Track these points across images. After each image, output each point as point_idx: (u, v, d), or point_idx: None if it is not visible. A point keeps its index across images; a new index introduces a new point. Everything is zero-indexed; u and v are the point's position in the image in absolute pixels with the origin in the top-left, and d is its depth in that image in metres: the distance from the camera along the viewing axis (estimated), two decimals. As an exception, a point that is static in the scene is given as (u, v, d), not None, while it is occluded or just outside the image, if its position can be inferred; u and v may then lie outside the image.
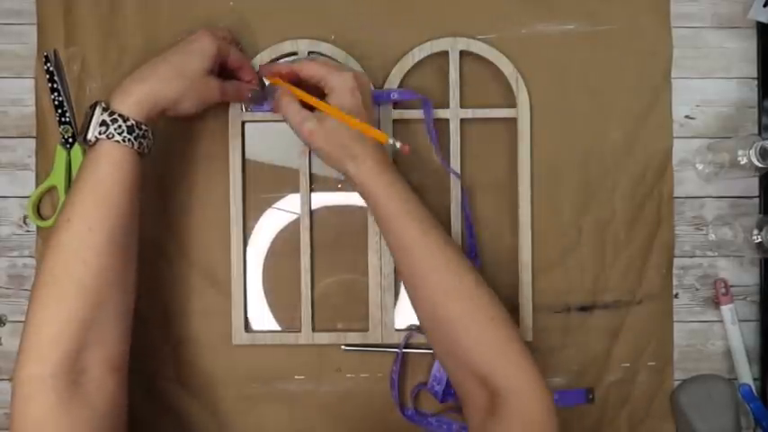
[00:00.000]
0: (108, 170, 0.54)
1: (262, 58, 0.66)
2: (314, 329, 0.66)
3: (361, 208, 0.67)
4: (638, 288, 0.68)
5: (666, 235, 0.68)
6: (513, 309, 0.66)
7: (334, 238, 0.67)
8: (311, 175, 0.67)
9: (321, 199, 0.67)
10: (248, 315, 0.67)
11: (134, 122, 0.55)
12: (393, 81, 0.67)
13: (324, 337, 0.66)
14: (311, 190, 0.67)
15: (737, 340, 0.68)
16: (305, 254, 0.66)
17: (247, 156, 0.67)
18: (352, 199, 0.67)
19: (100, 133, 0.54)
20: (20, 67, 0.68)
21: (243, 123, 0.66)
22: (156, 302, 0.67)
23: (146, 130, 0.56)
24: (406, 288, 0.60)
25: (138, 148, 0.55)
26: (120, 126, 0.54)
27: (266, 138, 0.68)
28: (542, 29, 0.68)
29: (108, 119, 0.54)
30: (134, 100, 0.55)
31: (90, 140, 0.55)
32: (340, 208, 0.68)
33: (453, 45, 0.66)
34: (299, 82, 0.61)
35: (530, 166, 0.67)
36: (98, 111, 0.54)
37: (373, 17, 0.68)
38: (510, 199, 0.67)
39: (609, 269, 0.68)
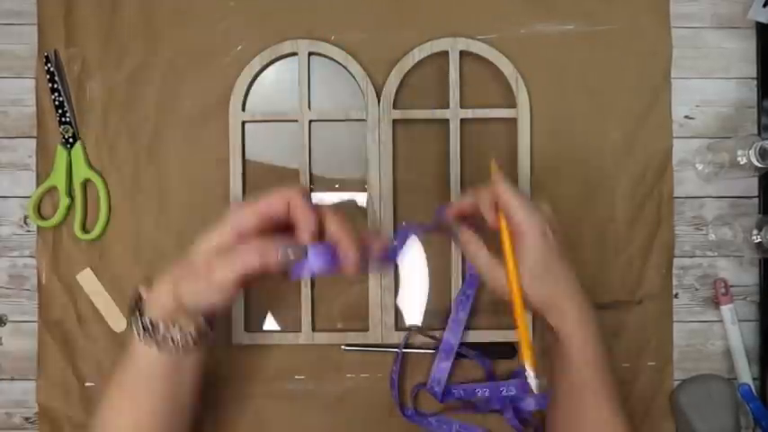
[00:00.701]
0: (144, 369, 0.53)
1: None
2: (314, 329, 0.66)
3: (359, 208, 0.67)
4: (638, 288, 0.68)
5: (666, 235, 0.68)
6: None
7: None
8: (311, 174, 0.67)
9: (321, 199, 0.67)
10: (248, 315, 0.67)
11: (187, 332, 0.52)
12: (393, 81, 0.67)
13: (324, 337, 0.66)
14: (311, 190, 0.67)
15: (737, 340, 0.68)
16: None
17: (248, 156, 0.67)
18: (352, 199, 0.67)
19: (142, 334, 0.52)
20: (20, 67, 0.68)
21: (243, 123, 0.67)
22: (157, 302, 0.67)
23: (202, 336, 0.53)
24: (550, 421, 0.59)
25: (179, 348, 0.52)
26: (168, 336, 0.51)
27: (266, 138, 0.68)
28: (542, 29, 0.68)
29: (147, 322, 0.51)
30: (168, 303, 0.51)
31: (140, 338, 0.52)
32: (339, 207, 0.68)
33: (453, 45, 0.66)
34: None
35: (530, 165, 0.67)
36: (141, 315, 0.52)
37: (373, 17, 0.68)
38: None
39: (609, 269, 0.68)
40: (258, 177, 0.67)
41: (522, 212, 0.54)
